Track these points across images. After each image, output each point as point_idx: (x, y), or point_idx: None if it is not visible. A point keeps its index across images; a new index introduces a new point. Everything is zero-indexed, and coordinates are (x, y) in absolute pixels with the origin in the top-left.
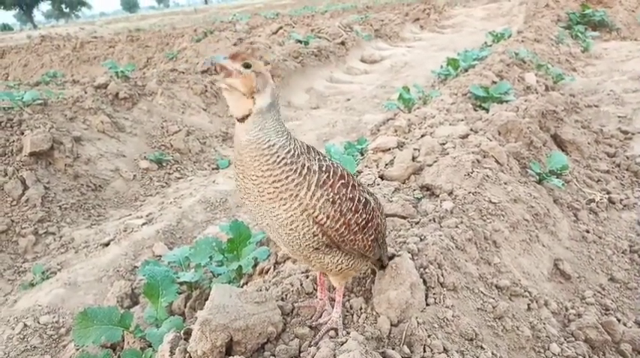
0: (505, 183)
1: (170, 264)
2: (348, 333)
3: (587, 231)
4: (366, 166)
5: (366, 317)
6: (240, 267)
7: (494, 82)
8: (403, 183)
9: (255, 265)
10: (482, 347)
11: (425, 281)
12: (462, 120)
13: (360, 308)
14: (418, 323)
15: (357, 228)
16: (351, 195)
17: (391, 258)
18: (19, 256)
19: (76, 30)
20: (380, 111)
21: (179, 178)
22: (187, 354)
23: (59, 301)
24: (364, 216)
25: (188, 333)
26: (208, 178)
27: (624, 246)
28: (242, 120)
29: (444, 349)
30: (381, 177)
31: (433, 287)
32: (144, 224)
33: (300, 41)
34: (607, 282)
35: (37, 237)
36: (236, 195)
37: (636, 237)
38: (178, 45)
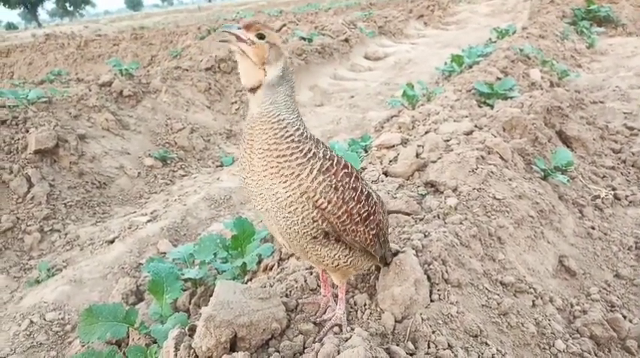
0: (510, 180)
1: (174, 261)
2: (353, 329)
3: (593, 228)
4: (370, 163)
5: (371, 314)
6: (244, 263)
7: (498, 79)
8: (407, 180)
9: (259, 262)
10: (486, 344)
11: (429, 278)
12: (467, 116)
13: (365, 305)
14: (422, 319)
15: (358, 219)
16: (354, 185)
17: (395, 254)
18: (24, 253)
19: (81, 28)
20: (384, 108)
21: (183, 176)
22: (192, 350)
23: (65, 298)
24: (366, 207)
25: (193, 329)
26: (212, 175)
27: (630, 242)
28: (252, 91)
29: (449, 345)
30: (385, 174)
31: (437, 284)
32: (148, 221)
33: (303, 38)
34: (612, 279)
35: (43, 234)
36: (240, 193)
37: None
38: (182, 43)
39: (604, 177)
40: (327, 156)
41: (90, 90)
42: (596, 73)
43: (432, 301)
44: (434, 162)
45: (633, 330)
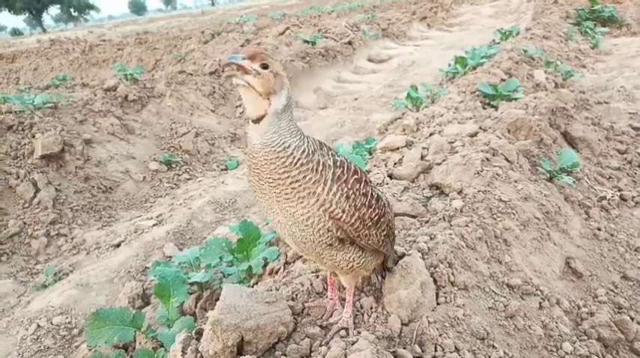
0: (515, 181)
1: (180, 265)
2: (359, 333)
3: (599, 229)
4: (374, 165)
5: (377, 317)
6: (250, 267)
7: (502, 80)
8: (412, 182)
9: (265, 265)
10: (493, 347)
11: (435, 281)
12: (471, 118)
13: (371, 308)
14: (429, 322)
15: (370, 223)
16: (364, 191)
17: (401, 257)
18: (31, 258)
19: (85, 33)
20: (388, 110)
21: (188, 179)
22: (199, 354)
23: (71, 302)
24: (377, 211)
25: (199, 333)
26: (217, 179)
27: (637, 243)
28: (257, 121)
29: (456, 348)
30: (390, 176)
31: (444, 287)
32: (154, 225)
33: (307, 41)
34: (620, 280)
35: (49, 238)
36: (245, 196)
37: None
38: (186, 47)
39: (610, 178)
40: (338, 164)
41: (95, 95)
42: (601, 74)
43: (438, 304)
44: (439, 164)
45: None
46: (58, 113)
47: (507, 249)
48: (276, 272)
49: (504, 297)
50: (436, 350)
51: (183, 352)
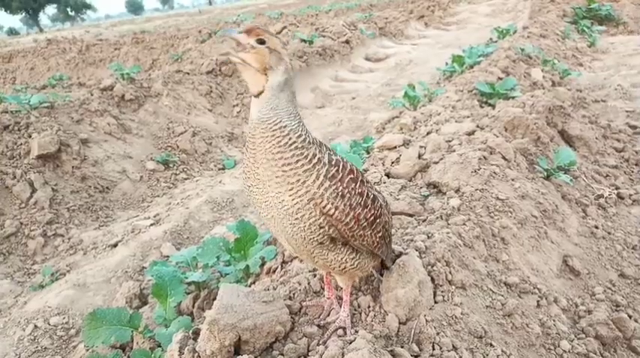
0: (512, 180)
1: (178, 265)
2: (357, 332)
3: (596, 227)
4: (372, 164)
5: (374, 316)
6: (247, 266)
7: (499, 78)
8: (410, 181)
9: (263, 264)
10: (491, 345)
11: (433, 279)
12: (468, 116)
13: (368, 307)
14: (427, 321)
15: (366, 224)
16: (360, 190)
17: (398, 255)
18: (28, 258)
19: (82, 33)
20: (385, 109)
21: (185, 179)
22: (196, 354)
23: (69, 302)
24: (373, 211)
25: (197, 333)
26: (215, 178)
27: (634, 241)
28: (257, 96)
29: (453, 347)
30: (388, 175)
31: (441, 285)
32: (151, 225)
33: (304, 40)
34: (617, 278)
35: (46, 238)
36: (242, 195)
37: None
38: (183, 46)
39: (607, 176)
40: (333, 162)
41: (92, 95)
42: (598, 72)
43: (435, 302)
44: (436, 163)
45: (639, 330)
46: (54, 113)
47: (505, 248)
48: (274, 271)
49: (502, 296)
50: (434, 349)
51: (181, 352)
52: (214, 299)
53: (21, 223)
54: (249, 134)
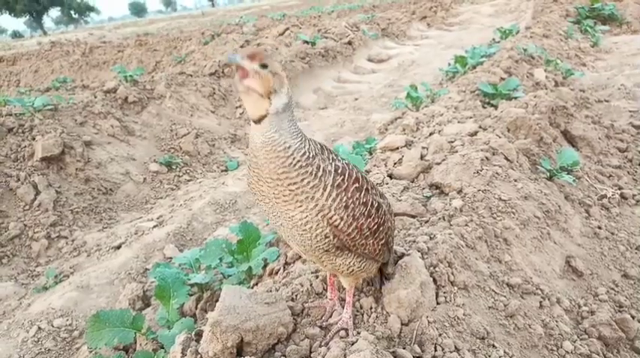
0: (515, 180)
1: (181, 266)
2: (359, 333)
3: (600, 228)
4: (374, 165)
5: (377, 317)
6: (250, 268)
7: (502, 79)
8: (412, 182)
9: (265, 266)
10: (494, 346)
11: (435, 280)
12: (471, 117)
13: (371, 308)
14: (429, 322)
15: (368, 233)
16: (364, 200)
17: (401, 257)
18: (32, 260)
19: (85, 35)
20: (388, 110)
21: (189, 180)
22: (199, 355)
23: (72, 304)
24: (376, 220)
25: (199, 334)
26: (217, 180)
27: (637, 241)
28: (258, 121)
29: (456, 348)
30: (390, 176)
31: (443, 286)
32: (154, 226)
33: (307, 42)
34: (620, 279)
35: (50, 240)
36: (245, 197)
37: None
38: (186, 48)
39: (610, 176)
40: (339, 171)
41: (95, 97)
42: (601, 72)
43: (438, 304)
44: (438, 163)
45: None
46: (58, 115)
47: (507, 248)
48: (276, 273)
49: (504, 296)
50: (436, 350)
51: (183, 353)
52: (217, 300)
53: (25, 225)
54: (251, 156)
